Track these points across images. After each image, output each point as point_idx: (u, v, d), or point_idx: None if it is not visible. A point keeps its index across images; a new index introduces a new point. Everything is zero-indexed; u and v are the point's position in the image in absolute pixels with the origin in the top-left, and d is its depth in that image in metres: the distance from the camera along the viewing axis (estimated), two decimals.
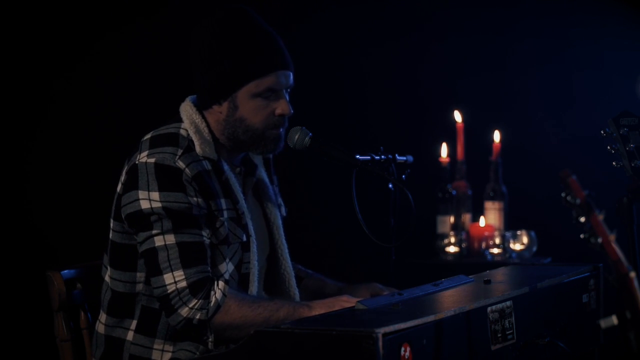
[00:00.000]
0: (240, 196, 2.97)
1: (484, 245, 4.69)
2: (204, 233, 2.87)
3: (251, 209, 3.04)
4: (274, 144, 2.99)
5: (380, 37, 5.11)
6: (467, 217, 4.78)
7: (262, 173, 3.15)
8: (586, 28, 5.01)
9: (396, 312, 2.57)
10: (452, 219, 4.71)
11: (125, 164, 2.95)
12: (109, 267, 2.99)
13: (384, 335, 2.31)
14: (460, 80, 5.11)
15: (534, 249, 4.67)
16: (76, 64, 4.60)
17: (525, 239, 4.65)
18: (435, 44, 5.12)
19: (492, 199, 4.79)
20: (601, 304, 3.29)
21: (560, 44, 5.08)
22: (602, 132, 3.15)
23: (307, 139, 3.04)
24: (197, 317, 2.82)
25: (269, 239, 3.14)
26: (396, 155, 3.15)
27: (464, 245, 4.70)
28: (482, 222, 4.76)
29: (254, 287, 2.98)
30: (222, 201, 2.92)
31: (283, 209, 3.23)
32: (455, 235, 4.68)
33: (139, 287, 2.95)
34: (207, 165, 2.92)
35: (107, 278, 3.00)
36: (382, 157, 3.12)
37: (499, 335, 2.73)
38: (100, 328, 3.00)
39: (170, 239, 2.84)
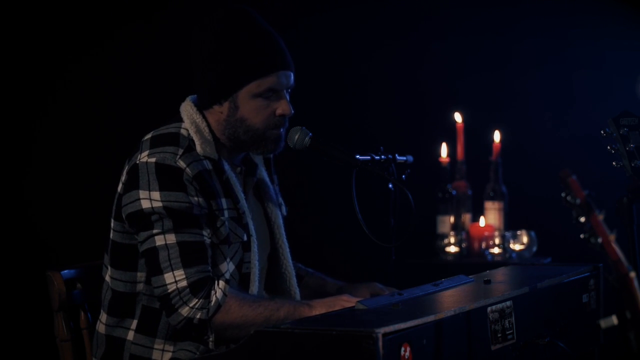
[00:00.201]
0: (241, 196, 2.97)
1: (484, 245, 4.69)
2: (204, 233, 2.87)
3: (252, 209, 3.04)
4: (274, 144, 2.99)
5: (380, 37, 5.11)
6: (467, 217, 4.78)
7: (263, 173, 3.15)
8: (586, 28, 5.01)
9: (396, 312, 2.56)
10: (452, 219, 4.71)
11: (126, 164, 2.95)
12: (109, 267, 2.99)
13: (384, 335, 2.31)
14: (460, 81, 5.12)
15: (534, 249, 4.67)
16: (76, 64, 4.60)
17: (525, 239, 4.65)
18: (435, 44, 5.12)
19: (492, 199, 4.79)
20: (601, 304, 3.29)
21: (560, 44, 5.08)
22: (602, 132, 3.15)
23: (307, 139, 3.04)
24: (198, 316, 2.82)
25: (270, 238, 3.14)
26: (396, 155, 3.15)
27: (464, 245, 4.70)
28: (482, 222, 4.76)
29: (254, 287, 2.98)
30: (223, 201, 2.92)
31: (284, 209, 3.23)
32: (455, 235, 4.68)
33: (140, 286, 2.95)
34: (208, 165, 2.92)
35: (107, 278, 3.00)
36: (382, 157, 3.12)
37: (499, 335, 2.73)
38: (100, 328, 3.00)
39: (171, 238, 2.84)
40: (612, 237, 2.13)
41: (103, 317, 3.00)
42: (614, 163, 3.13)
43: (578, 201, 2.15)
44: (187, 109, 2.99)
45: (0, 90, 4.49)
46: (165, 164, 2.86)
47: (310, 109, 3.57)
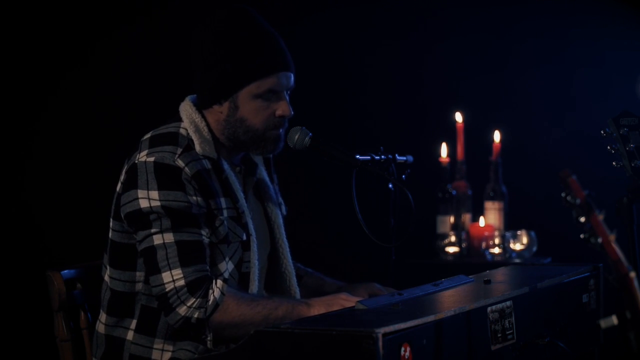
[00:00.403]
0: (240, 195, 2.97)
1: (484, 245, 4.69)
2: (203, 232, 2.87)
3: (252, 208, 3.04)
4: (273, 145, 3.00)
5: (380, 37, 5.11)
6: (467, 217, 4.78)
7: (263, 172, 3.15)
8: (586, 28, 5.01)
9: (396, 312, 2.56)
10: (452, 219, 4.71)
11: (125, 164, 2.95)
12: (108, 267, 2.99)
13: (384, 335, 2.31)
14: (461, 81, 5.12)
15: (534, 249, 4.67)
16: (75, 64, 4.60)
17: (525, 239, 4.65)
18: (435, 44, 5.12)
19: (492, 199, 4.79)
20: (601, 304, 3.29)
21: (560, 44, 5.08)
22: (602, 132, 3.15)
23: (307, 139, 3.04)
24: (195, 315, 2.81)
25: (270, 237, 3.14)
26: (396, 155, 3.15)
27: (464, 245, 4.70)
28: (482, 222, 4.76)
29: (254, 286, 2.98)
30: (222, 200, 2.92)
31: (283, 208, 3.23)
32: (455, 235, 4.68)
33: (139, 286, 2.95)
34: (207, 164, 2.92)
35: (106, 277, 3.00)
36: (382, 157, 3.12)
37: (499, 335, 2.73)
38: (100, 328, 3.00)
39: (169, 237, 2.84)
40: (612, 237, 2.12)
41: (102, 317, 3.00)
42: (614, 163, 3.13)
43: (578, 201, 2.15)
44: (186, 108, 2.99)
45: (0, 90, 4.50)
46: (164, 163, 2.86)
47: (310, 109, 3.57)
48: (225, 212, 2.91)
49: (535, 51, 5.11)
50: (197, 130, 2.94)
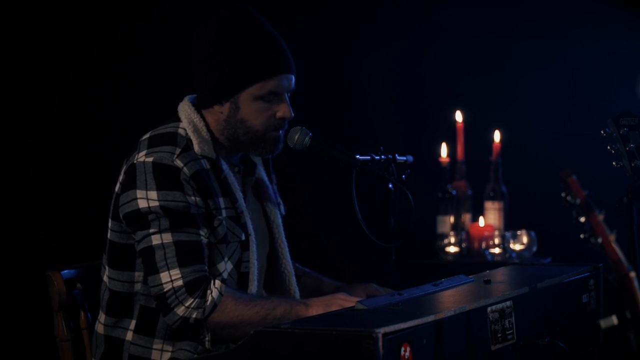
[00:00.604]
0: (239, 195, 2.97)
1: (484, 245, 4.69)
2: (201, 232, 2.87)
3: (251, 208, 3.04)
4: (273, 146, 3.00)
5: (380, 37, 5.11)
6: (467, 217, 4.78)
7: (262, 172, 3.15)
8: (586, 28, 5.01)
9: (396, 312, 2.56)
10: (452, 219, 4.71)
11: (124, 164, 2.95)
12: (107, 267, 2.99)
13: (384, 335, 2.30)
14: (461, 80, 5.11)
15: (534, 249, 4.67)
16: (75, 64, 4.60)
17: (525, 239, 4.65)
18: (435, 44, 5.11)
19: (492, 199, 4.79)
20: (601, 304, 3.29)
21: (560, 44, 5.08)
22: (602, 132, 3.15)
23: (307, 139, 3.04)
24: (194, 316, 2.81)
25: (269, 237, 3.14)
26: (396, 155, 3.15)
27: (464, 245, 4.70)
28: (482, 222, 4.76)
29: (253, 286, 2.98)
30: (221, 200, 2.92)
31: (282, 208, 3.23)
32: (455, 235, 4.68)
33: (137, 286, 2.94)
34: (206, 164, 2.92)
35: (105, 278, 3.00)
36: (382, 157, 3.12)
37: (499, 335, 2.73)
38: (99, 328, 3.00)
39: (168, 237, 2.84)
40: (612, 237, 2.12)
41: (101, 317, 3.00)
42: (614, 163, 3.13)
43: (578, 201, 2.15)
44: (185, 108, 2.99)
45: (0, 90, 4.49)
46: (163, 164, 2.86)
47: (310, 109, 3.57)
48: (224, 212, 2.91)
49: (535, 51, 5.11)
50: (196, 130, 2.94)
